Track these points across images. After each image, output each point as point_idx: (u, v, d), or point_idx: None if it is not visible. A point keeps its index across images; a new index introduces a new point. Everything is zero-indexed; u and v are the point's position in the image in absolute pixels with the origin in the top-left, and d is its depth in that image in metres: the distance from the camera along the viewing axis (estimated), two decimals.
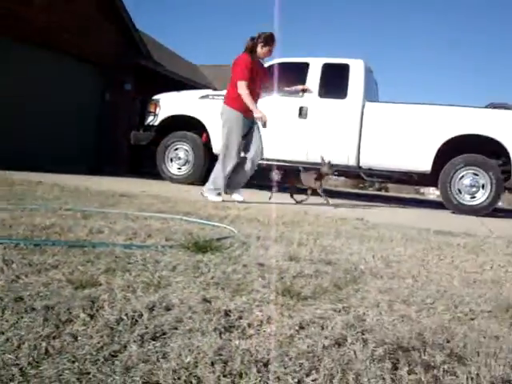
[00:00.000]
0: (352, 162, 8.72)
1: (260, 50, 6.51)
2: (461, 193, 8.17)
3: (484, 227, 6.19)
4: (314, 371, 1.46)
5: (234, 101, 6.49)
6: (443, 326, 1.94)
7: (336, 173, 9.12)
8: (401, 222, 5.64)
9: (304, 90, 7.05)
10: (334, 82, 9.08)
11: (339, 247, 3.47)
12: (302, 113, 8.98)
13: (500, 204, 26.05)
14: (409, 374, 1.50)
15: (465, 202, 8.16)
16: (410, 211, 8.56)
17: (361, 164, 8.71)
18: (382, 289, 2.43)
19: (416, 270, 2.92)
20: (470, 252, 3.79)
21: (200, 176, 9.84)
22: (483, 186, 8.10)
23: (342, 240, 3.81)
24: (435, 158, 8.30)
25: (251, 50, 6.47)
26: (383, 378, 1.44)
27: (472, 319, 2.08)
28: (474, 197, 8.16)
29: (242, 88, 6.35)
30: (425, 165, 8.30)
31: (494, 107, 8.69)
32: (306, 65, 9.26)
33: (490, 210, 8.28)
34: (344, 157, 8.69)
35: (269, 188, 10.53)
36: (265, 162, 9.44)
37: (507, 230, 6.14)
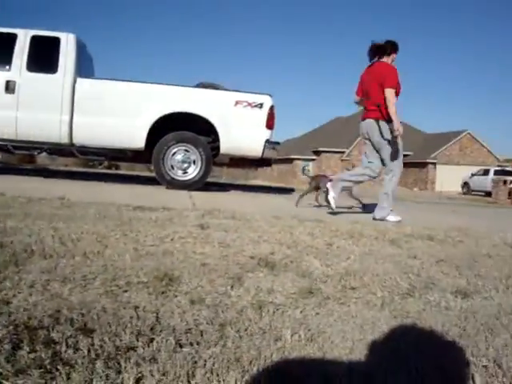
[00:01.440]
0: (65, 140, 8.38)
1: (391, 58, 6.15)
2: (173, 169, 8.43)
3: (190, 201, 6.47)
4: None
5: (382, 111, 6.01)
6: (89, 300, 1.94)
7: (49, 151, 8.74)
8: (106, 199, 5.60)
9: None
10: (45, 55, 8.60)
11: (20, 229, 3.31)
12: (9, 87, 8.36)
13: (224, 179, 27.70)
14: (29, 353, 1.47)
15: (177, 178, 8.44)
16: (125, 188, 8.58)
17: (74, 142, 8.43)
18: (45, 269, 2.37)
19: (92, 247, 2.91)
20: (159, 226, 3.91)
21: None
22: (194, 162, 8.47)
23: (28, 221, 3.65)
24: (148, 135, 8.41)
25: (382, 57, 6.12)
26: None
27: (125, 291, 2.13)
28: (186, 172, 8.49)
29: (393, 95, 5.92)
30: (138, 142, 8.36)
31: (204, 87, 9.11)
32: (14, 36, 8.63)
33: (202, 185, 8.69)
34: (56, 134, 8.34)
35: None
36: None
37: (211, 203, 6.48)
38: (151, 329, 1.72)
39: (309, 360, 1.60)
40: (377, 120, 6.08)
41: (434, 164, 44.92)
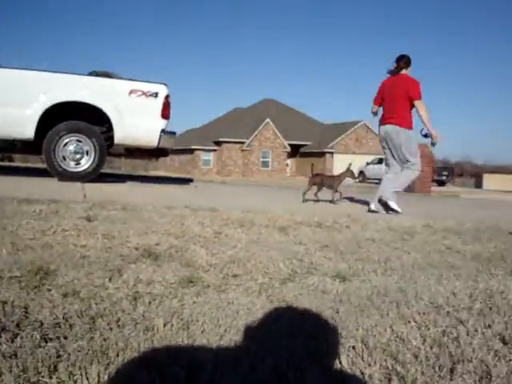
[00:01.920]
0: None
1: (409, 71, 6.97)
2: (65, 160, 8.15)
3: (82, 193, 6.29)
4: None
5: (409, 123, 6.85)
6: None
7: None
8: None
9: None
10: None
11: None
12: None
13: (123, 170, 27.13)
14: None
15: (70, 169, 8.16)
16: (14, 180, 8.21)
17: None
18: None
19: None
20: (42, 219, 3.78)
21: None
22: (87, 153, 8.22)
23: None
24: (38, 125, 8.07)
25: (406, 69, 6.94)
26: None
27: None
28: (79, 163, 8.22)
29: (423, 107, 6.74)
30: (27, 132, 7.99)
31: (97, 75, 8.85)
32: None
33: (97, 176, 8.46)
34: None
35: None
36: None
37: (104, 194, 6.33)
38: (17, 324, 1.66)
39: (177, 348, 1.60)
40: (398, 127, 6.81)
41: (332, 153, 46.24)
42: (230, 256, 2.98)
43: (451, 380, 1.56)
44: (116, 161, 26.07)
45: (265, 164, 46.61)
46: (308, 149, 47.60)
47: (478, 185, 49.18)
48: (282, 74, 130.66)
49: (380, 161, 37.01)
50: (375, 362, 1.63)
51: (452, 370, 1.62)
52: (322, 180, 7.90)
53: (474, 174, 59.15)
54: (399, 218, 5.69)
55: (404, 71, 6.91)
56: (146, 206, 5.02)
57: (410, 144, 6.87)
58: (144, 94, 8.50)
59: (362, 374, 1.56)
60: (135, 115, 8.42)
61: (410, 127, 6.86)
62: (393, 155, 7.04)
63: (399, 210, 6.84)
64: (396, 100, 6.82)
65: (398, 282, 2.75)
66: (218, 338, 1.71)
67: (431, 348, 1.79)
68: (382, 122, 7.06)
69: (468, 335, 1.95)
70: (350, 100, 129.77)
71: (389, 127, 6.90)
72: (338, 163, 45.83)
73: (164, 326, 1.76)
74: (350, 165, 7.93)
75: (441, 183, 37.49)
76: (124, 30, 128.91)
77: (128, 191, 7.80)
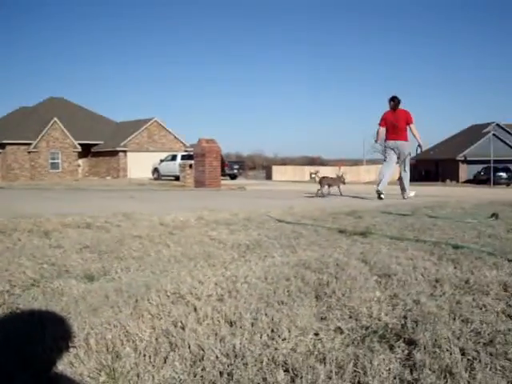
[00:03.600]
0: None
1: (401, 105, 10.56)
2: None
3: None
4: None
5: (408, 138, 10.34)
6: None
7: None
8: None
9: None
10: None
11: None
12: None
13: None
14: None
15: None
16: None
17: None
18: None
19: None
20: None
21: None
22: None
23: None
24: None
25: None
26: None
27: None
28: None
29: (415, 127, 10.41)
30: None
31: None
32: None
33: None
34: None
35: None
36: None
37: None
38: None
39: None
40: (405, 142, 10.35)
41: (125, 152, 45.60)
42: None
43: (162, 368, 1.62)
44: None
45: (54, 166, 44.38)
46: (100, 148, 46.41)
47: (269, 176, 52.03)
48: (70, 72, 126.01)
49: (174, 157, 37.29)
50: (90, 360, 1.64)
51: (166, 359, 1.68)
52: (327, 180, 10.89)
53: (266, 167, 62.60)
54: (175, 215, 5.75)
55: (401, 106, 10.34)
56: None
57: (408, 151, 10.42)
58: None
59: (75, 373, 1.56)
60: None
61: (408, 141, 10.41)
62: (397, 157, 10.33)
63: (412, 194, 10.37)
64: (399, 125, 10.26)
65: (148, 276, 2.80)
66: None
67: (156, 339, 1.85)
68: (390, 137, 10.32)
69: (198, 322, 2.04)
70: (144, 97, 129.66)
71: (399, 142, 10.28)
72: (132, 161, 45.41)
73: None
74: (343, 173, 11.08)
75: (233, 177, 38.80)
76: None
77: None
